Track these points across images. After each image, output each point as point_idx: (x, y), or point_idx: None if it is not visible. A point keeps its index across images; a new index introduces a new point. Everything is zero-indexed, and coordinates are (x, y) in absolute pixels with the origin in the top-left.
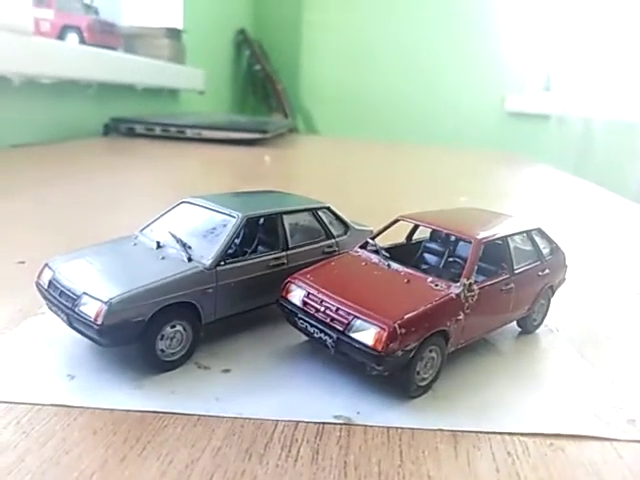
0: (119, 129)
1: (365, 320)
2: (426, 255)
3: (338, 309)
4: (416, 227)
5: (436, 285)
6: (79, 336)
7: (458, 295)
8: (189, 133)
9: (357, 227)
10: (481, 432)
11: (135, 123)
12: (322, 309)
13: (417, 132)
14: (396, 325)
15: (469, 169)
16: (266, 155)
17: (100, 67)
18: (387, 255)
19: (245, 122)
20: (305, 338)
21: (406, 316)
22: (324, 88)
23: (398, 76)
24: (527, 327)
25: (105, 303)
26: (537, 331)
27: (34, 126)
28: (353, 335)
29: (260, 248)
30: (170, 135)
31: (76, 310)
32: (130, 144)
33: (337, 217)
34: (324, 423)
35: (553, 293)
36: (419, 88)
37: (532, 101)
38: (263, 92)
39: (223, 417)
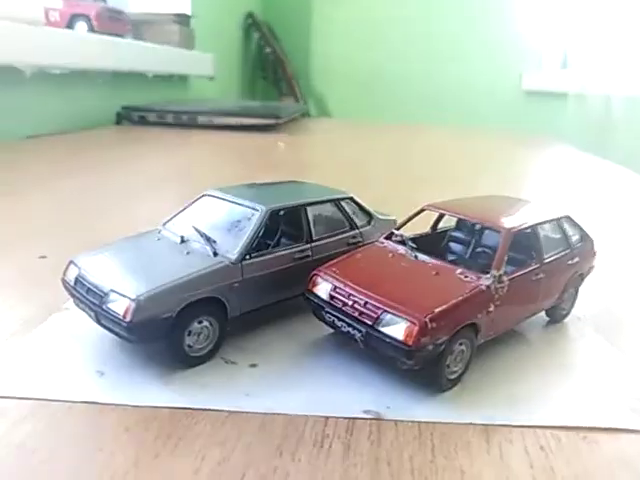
0: (131, 117)
1: (395, 314)
2: (452, 244)
3: (367, 303)
4: (441, 216)
5: (465, 277)
6: (106, 332)
7: (488, 287)
8: (201, 120)
9: (380, 217)
10: (513, 425)
11: (147, 111)
12: (350, 303)
13: (433, 113)
14: (427, 319)
15: (488, 151)
16: (279, 141)
17: (110, 55)
18: (414, 246)
19: (257, 107)
20: (331, 330)
21: (437, 310)
22: (336, 70)
23: (412, 56)
24: (556, 316)
25: (133, 300)
26: (565, 320)
27: (47, 116)
28: (383, 329)
29: (283, 240)
30: (182, 122)
31: (104, 307)
32: (143, 132)
33: (360, 207)
34: (354, 418)
35: (582, 281)
36: (434, 68)
37: (550, 79)
38: (273, 76)
39: (253, 413)
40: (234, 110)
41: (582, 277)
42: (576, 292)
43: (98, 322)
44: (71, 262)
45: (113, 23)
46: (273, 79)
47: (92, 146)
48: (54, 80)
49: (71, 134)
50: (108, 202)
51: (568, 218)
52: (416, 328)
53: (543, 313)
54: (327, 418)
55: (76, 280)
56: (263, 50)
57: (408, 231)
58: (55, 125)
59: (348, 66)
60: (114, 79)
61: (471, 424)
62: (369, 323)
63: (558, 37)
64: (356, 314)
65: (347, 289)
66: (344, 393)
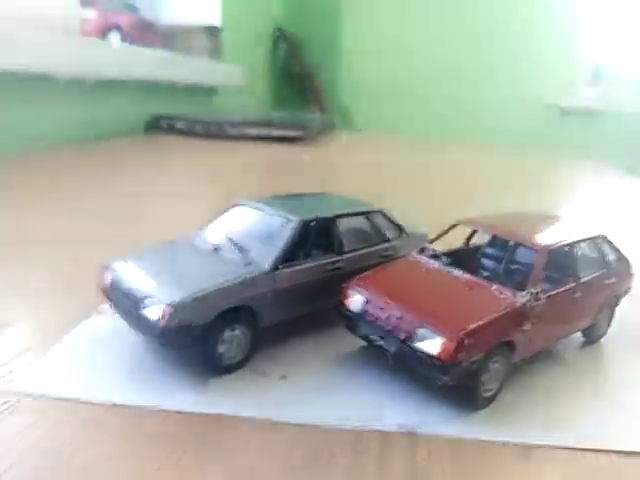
0: (160, 126)
1: (430, 329)
2: (484, 261)
3: (400, 317)
4: (474, 232)
5: (501, 293)
6: (139, 337)
7: (524, 304)
8: (229, 131)
9: (411, 230)
10: (550, 446)
11: (176, 120)
12: (383, 317)
13: (461, 130)
14: (463, 335)
15: (520, 170)
16: (305, 154)
17: (142, 65)
18: (447, 261)
19: (285, 119)
20: (363, 343)
21: (472, 326)
22: (364, 83)
23: (441, 71)
24: (591, 336)
25: (169, 306)
26: (601, 340)
27: (79, 124)
28: (417, 345)
29: (314, 252)
30: (211, 132)
31: (140, 312)
32: (171, 141)
33: (390, 220)
34: (388, 432)
35: (618, 302)
36: (464, 83)
37: (585, 98)
38: (300, 89)
39: (284, 423)
40: (262, 121)
41: (618, 298)
42: (612, 313)
43: (133, 327)
44: (107, 266)
45: (145, 34)
46: (300, 92)
47: (122, 154)
48: (87, 88)
49: (101, 142)
50: (138, 209)
51: (604, 238)
52: (452, 344)
53: (579, 333)
54: (360, 432)
55: (112, 284)
56: (290, 63)
57: (440, 246)
58: (86, 132)
59: (376, 81)
60: (145, 89)
61: (507, 443)
62: (403, 338)
63: (592, 55)
64: (390, 328)
65: (380, 302)
66: (377, 407)
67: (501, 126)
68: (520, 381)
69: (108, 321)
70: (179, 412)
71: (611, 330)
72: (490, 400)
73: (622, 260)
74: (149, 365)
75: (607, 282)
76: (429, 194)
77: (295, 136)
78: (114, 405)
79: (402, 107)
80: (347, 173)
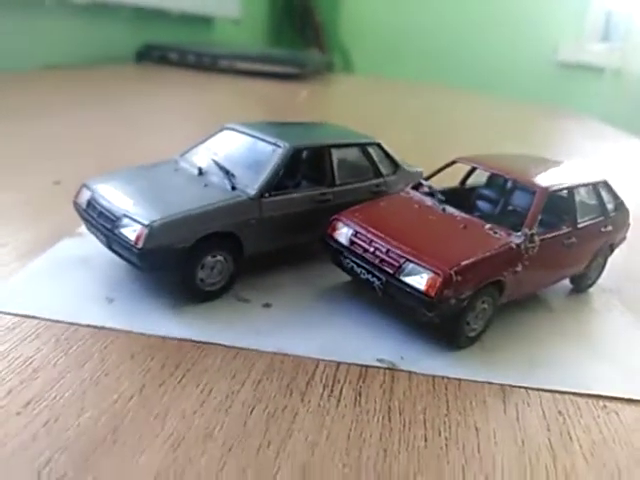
0: (152, 56)
1: (418, 264)
2: (480, 202)
3: (389, 250)
4: (471, 172)
5: (495, 232)
6: (118, 258)
7: (518, 245)
8: (223, 64)
9: (407, 167)
10: (531, 388)
11: (168, 50)
12: (371, 250)
13: (461, 76)
14: (452, 271)
15: (515, 120)
16: (303, 90)
17: None
18: (442, 198)
19: (282, 55)
20: (348, 278)
21: (463, 262)
22: (364, 23)
23: (444, 15)
24: (580, 285)
25: (146, 226)
26: (590, 290)
27: (67, 48)
28: (404, 279)
29: (304, 182)
30: (203, 65)
31: (116, 232)
32: (162, 72)
33: (387, 155)
34: (367, 366)
35: (612, 251)
36: (465, 28)
37: (587, 51)
38: (300, 25)
39: (263, 351)
40: (258, 56)
41: (612, 247)
42: (604, 262)
43: (109, 247)
44: (84, 185)
45: None
46: (300, 28)
47: (111, 81)
48: (75, 11)
49: (90, 67)
50: (124, 134)
51: (605, 184)
52: (440, 279)
53: (567, 281)
54: (339, 364)
55: (88, 203)
56: None
57: (435, 185)
58: (74, 57)
59: (377, 22)
60: (137, 15)
61: (487, 383)
62: (390, 271)
63: (599, 8)
64: (377, 261)
65: (369, 235)
66: (358, 340)
67: (501, 77)
68: (505, 324)
69: (85, 243)
70: (153, 335)
71: (600, 280)
72: (473, 340)
73: (621, 208)
74: (125, 288)
75: (604, 230)
76: (424, 136)
77: (292, 73)
78: (86, 326)
79: (402, 52)
80: (344, 112)
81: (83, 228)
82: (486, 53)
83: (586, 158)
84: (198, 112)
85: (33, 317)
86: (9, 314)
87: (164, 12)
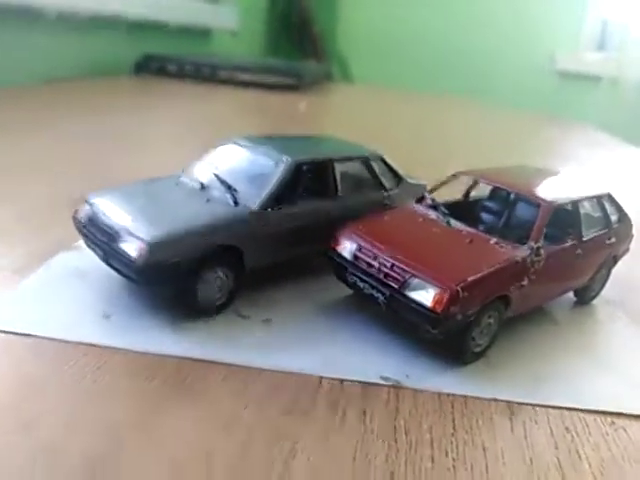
0: (151, 67)
1: (424, 279)
2: (483, 214)
3: (393, 265)
4: (474, 185)
5: (500, 246)
6: (115, 273)
7: (524, 259)
8: (222, 75)
9: (410, 180)
10: (538, 405)
11: (167, 62)
12: (376, 264)
13: (458, 84)
14: (459, 287)
15: (513, 129)
16: (302, 101)
17: (133, 2)
18: (446, 212)
19: (281, 66)
20: (349, 292)
21: (469, 278)
22: (362, 33)
23: (442, 25)
24: (584, 297)
25: (146, 241)
26: (594, 302)
27: (67, 61)
28: (409, 294)
29: (306, 196)
30: (202, 76)
31: (114, 247)
32: (161, 83)
33: (390, 168)
34: (371, 383)
35: (615, 263)
36: (464, 38)
37: (584, 60)
38: (298, 36)
39: (265, 369)
40: (257, 67)
41: (616, 259)
42: (608, 274)
43: (107, 262)
44: (84, 200)
45: None
46: (297, 39)
47: (109, 93)
48: (75, 25)
49: (88, 80)
50: (123, 149)
51: (609, 196)
52: (446, 295)
53: (571, 293)
54: (342, 381)
55: (88, 219)
56: (289, 8)
57: (437, 198)
58: (72, 70)
59: (375, 32)
60: (135, 28)
61: (494, 400)
62: (395, 286)
63: (596, 17)
64: (381, 276)
65: (374, 250)
66: (361, 357)
67: (499, 85)
68: (510, 338)
69: (82, 257)
70: (152, 354)
71: (603, 292)
72: (479, 355)
73: (624, 220)
74: (123, 304)
75: (608, 242)
76: (423, 145)
77: (290, 84)
78: (83, 344)
79: (400, 61)
80: (342, 122)
81: (80, 242)
82: (484, 61)
83: (583, 166)
84: (198, 124)
85: (27, 335)
86: (2, 332)
87: (162, 24)
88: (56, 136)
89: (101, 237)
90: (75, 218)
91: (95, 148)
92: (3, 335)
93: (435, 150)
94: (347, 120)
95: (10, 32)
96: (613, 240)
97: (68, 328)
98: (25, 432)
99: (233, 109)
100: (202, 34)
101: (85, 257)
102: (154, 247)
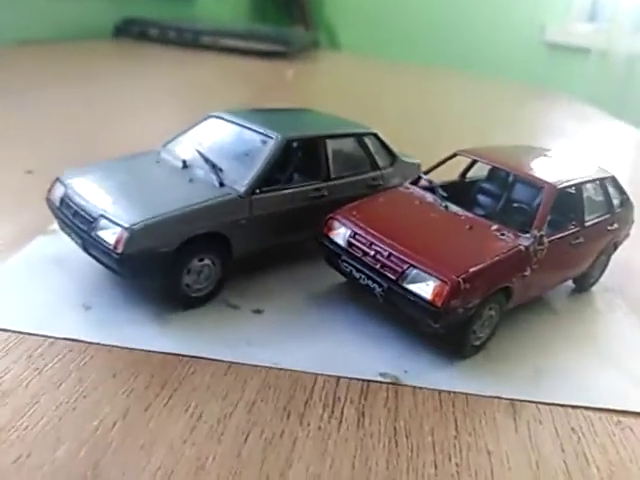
0: (131, 31)
1: (424, 270)
2: (481, 197)
3: (390, 254)
4: (471, 165)
5: (502, 234)
6: (94, 261)
7: (527, 248)
8: (206, 40)
9: (404, 159)
10: (541, 403)
11: (148, 25)
12: (371, 253)
13: (447, 54)
14: (460, 279)
15: (500, 102)
16: (289, 69)
17: None
18: (444, 195)
19: (267, 32)
20: (343, 279)
21: (471, 269)
22: (351, 1)
23: None
24: (583, 284)
25: (126, 229)
26: (592, 289)
27: (42, 22)
28: (408, 286)
29: (296, 176)
30: (185, 41)
31: (93, 234)
32: (142, 48)
33: (384, 146)
34: (369, 381)
35: (616, 249)
36: (453, 9)
37: (573, 32)
38: (285, 1)
39: (257, 366)
40: (242, 33)
41: (617, 245)
42: (607, 260)
43: (85, 250)
44: (57, 180)
45: None
46: (284, 3)
47: (87, 58)
48: None
49: (65, 43)
50: (101, 118)
51: (613, 179)
52: (447, 288)
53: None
54: (339, 379)
55: (62, 200)
56: None
57: (434, 179)
58: (49, 32)
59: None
60: None
61: (497, 398)
62: (392, 278)
63: None
64: (378, 266)
65: (369, 237)
66: (358, 352)
67: (488, 56)
68: (510, 329)
69: (59, 241)
70: (136, 350)
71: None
72: (478, 349)
73: (626, 204)
74: (104, 294)
75: (610, 228)
76: (411, 121)
77: (277, 51)
78: (61, 338)
79: (388, 30)
80: (330, 92)
81: (57, 225)
82: (473, 32)
83: (569, 140)
84: (180, 91)
85: (2, 330)
86: None
87: None
88: (31, 102)
89: (78, 223)
90: (49, 199)
91: (73, 116)
92: None
93: (423, 125)
94: (335, 90)
95: None
96: (615, 226)
97: (47, 322)
98: (6, 435)
99: (217, 76)
100: None
101: (62, 242)
102: (135, 235)
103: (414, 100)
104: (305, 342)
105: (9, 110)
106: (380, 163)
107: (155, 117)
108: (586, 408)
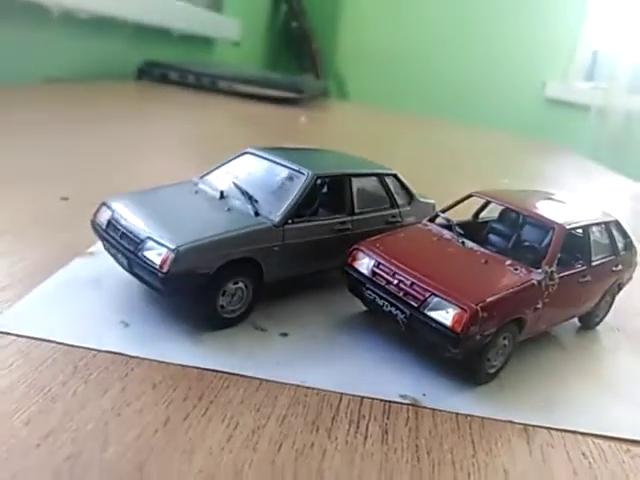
0: (152, 74)
1: (444, 299)
2: (492, 236)
3: (413, 283)
4: (485, 206)
5: (515, 269)
6: (131, 280)
7: (539, 282)
8: (222, 85)
9: (420, 199)
10: (553, 429)
11: (169, 69)
12: (395, 281)
13: (453, 108)
14: (478, 307)
15: (505, 154)
16: (302, 115)
17: (139, 6)
18: (461, 232)
19: (280, 79)
20: (364, 308)
21: (488, 299)
22: (361, 52)
23: (439, 48)
24: (589, 323)
25: (172, 250)
26: (597, 328)
27: (68, 61)
28: (429, 313)
29: (322, 210)
30: (203, 85)
31: (139, 255)
32: (163, 91)
33: (403, 186)
34: (390, 402)
35: (619, 290)
36: (460, 62)
37: (573, 89)
38: (297, 51)
39: (286, 384)
40: (257, 79)
41: (620, 286)
42: (612, 301)
43: (129, 270)
44: (104, 204)
45: None
46: (297, 54)
47: (111, 98)
48: (80, 24)
49: (89, 83)
50: (125, 153)
51: (617, 223)
52: (466, 315)
53: (575, 319)
54: (362, 398)
55: (109, 223)
56: (290, 24)
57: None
58: (74, 71)
59: (373, 51)
60: (139, 32)
61: (510, 422)
62: (415, 305)
63: (586, 47)
64: (401, 294)
65: (392, 267)
66: (379, 374)
67: (492, 110)
68: (521, 360)
69: (96, 263)
70: (173, 364)
71: (607, 318)
72: (492, 377)
73: (630, 248)
74: (141, 312)
75: (614, 269)
76: (418, 167)
77: (290, 98)
78: (104, 351)
79: (397, 82)
80: (342, 139)
81: (94, 248)
82: (478, 87)
83: (571, 191)
84: (197, 132)
85: (48, 341)
86: (22, 337)
87: (166, 30)
88: (53, 137)
89: (124, 243)
90: (94, 222)
91: (96, 151)
92: (24, 340)
93: (429, 170)
94: (345, 136)
95: (13, 29)
96: (620, 267)
97: (90, 335)
98: (52, 443)
99: (233, 120)
100: (205, 42)
101: (99, 263)
102: (180, 256)
103: (420, 148)
104: (329, 364)
105: (37, 143)
106: (399, 201)
107: (172, 157)
108: (596, 436)
